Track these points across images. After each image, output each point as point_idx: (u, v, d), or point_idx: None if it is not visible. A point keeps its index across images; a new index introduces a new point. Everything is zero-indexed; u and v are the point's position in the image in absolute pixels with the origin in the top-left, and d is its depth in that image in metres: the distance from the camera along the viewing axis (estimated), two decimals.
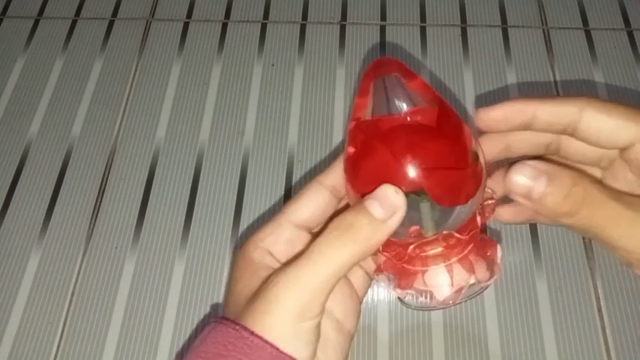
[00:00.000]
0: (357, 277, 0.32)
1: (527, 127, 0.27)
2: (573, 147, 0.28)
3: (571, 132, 0.26)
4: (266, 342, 0.23)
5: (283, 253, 0.28)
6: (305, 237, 0.29)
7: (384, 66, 0.27)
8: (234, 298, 0.26)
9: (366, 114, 0.27)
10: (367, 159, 0.25)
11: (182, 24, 0.74)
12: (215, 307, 0.56)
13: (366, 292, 0.33)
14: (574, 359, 0.53)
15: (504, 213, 0.31)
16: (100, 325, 0.56)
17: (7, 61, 0.73)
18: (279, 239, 0.28)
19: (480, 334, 0.54)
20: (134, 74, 0.71)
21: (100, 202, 0.62)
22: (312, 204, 0.29)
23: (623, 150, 0.26)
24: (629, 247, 0.22)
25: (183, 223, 0.61)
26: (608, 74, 0.68)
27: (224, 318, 0.26)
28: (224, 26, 0.74)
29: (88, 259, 0.59)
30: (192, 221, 0.61)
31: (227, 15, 0.75)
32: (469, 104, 0.67)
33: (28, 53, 0.73)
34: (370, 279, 0.33)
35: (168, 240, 0.60)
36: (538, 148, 0.29)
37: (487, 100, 0.67)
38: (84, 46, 0.73)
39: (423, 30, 0.73)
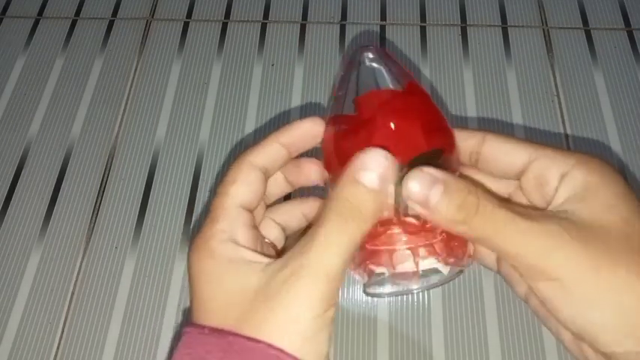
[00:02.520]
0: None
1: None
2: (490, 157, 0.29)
3: (475, 160, 0.28)
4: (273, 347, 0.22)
5: (247, 238, 0.26)
6: (252, 217, 0.28)
7: (364, 50, 0.28)
8: (217, 304, 0.24)
9: (348, 92, 0.27)
10: (353, 132, 0.25)
11: (182, 24, 0.74)
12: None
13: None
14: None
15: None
16: (100, 325, 0.56)
17: (7, 61, 0.73)
18: (237, 225, 0.26)
19: (479, 334, 0.54)
20: (134, 74, 0.71)
21: (100, 202, 0.62)
22: (251, 187, 0.28)
23: (520, 177, 0.27)
24: (523, 255, 0.22)
25: (183, 223, 0.61)
26: (608, 74, 0.68)
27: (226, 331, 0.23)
28: (224, 26, 0.74)
29: (88, 259, 0.59)
30: (193, 221, 0.61)
31: (227, 15, 0.75)
32: (469, 105, 0.67)
33: (28, 53, 0.73)
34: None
35: (168, 240, 0.60)
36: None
37: (487, 99, 0.67)
38: (84, 46, 0.73)
39: (423, 30, 0.73)
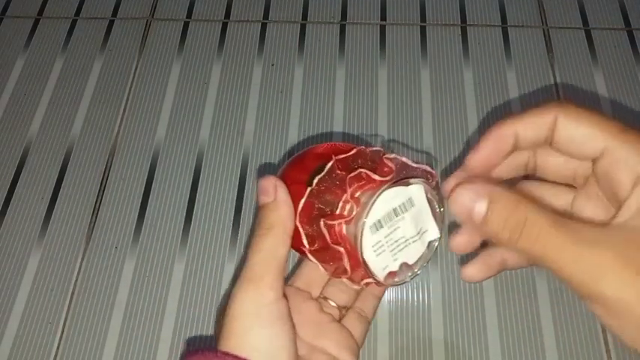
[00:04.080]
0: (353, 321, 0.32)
1: (513, 150, 0.26)
2: (549, 163, 0.27)
3: (550, 142, 0.25)
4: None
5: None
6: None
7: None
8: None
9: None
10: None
11: (182, 24, 0.74)
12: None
13: (362, 336, 0.33)
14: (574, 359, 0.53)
15: (456, 244, 0.29)
16: (100, 325, 0.56)
17: (7, 60, 0.73)
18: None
19: (480, 334, 0.54)
20: (134, 74, 0.71)
21: (100, 202, 0.62)
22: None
23: (594, 163, 0.24)
24: (572, 280, 0.21)
25: (183, 223, 0.61)
26: (608, 74, 0.68)
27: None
28: (224, 26, 0.74)
29: (88, 259, 0.59)
30: (192, 221, 0.61)
31: (227, 14, 0.75)
32: (469, 104, 0.67)
33: (28, 53, 0.73)
34: (367, 324, 0.33)
35: (168, 240, 0.60)
36: (518, 169, 0.28)
37: (487, 99, 0.67)
38: (84, 46, 0.73)
39: (423, 29, 0.73)
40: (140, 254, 0.59)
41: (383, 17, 0.74)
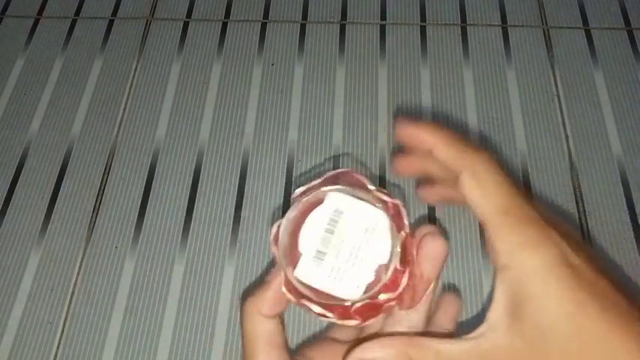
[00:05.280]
0: None
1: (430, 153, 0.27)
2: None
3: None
4: None
5: None
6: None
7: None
8: None
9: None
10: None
11: (182, 23, 0.74)
12: None
13: None
14: None
15: (424, 194, 0.30)
16: (100, 325, 0.56)
17: (7, 60, 0.73)
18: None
19: None
20: (134, 74, 0.71)
21: (100, 202, 0.62)
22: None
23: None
24: None
25: (183, 223, 0.61)
26: (608, 73, 0.68)
27: None
28: (224, 25, 0.74)
29: (88, 258, 0.59)
30: (192, 221, 0.61)
31: (227, 14, 0.75)
32: (469, 104, 0.67)
33: (28, 53, 0.73)
34: None
35: (168, 240, 0.60)
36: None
37: (487, 99, 0.67)
38: (84, 46, 0.73)
39: (423, 29, 0.73)
40: (140, 254, 0.59)
41: (383, 17, 0.74)
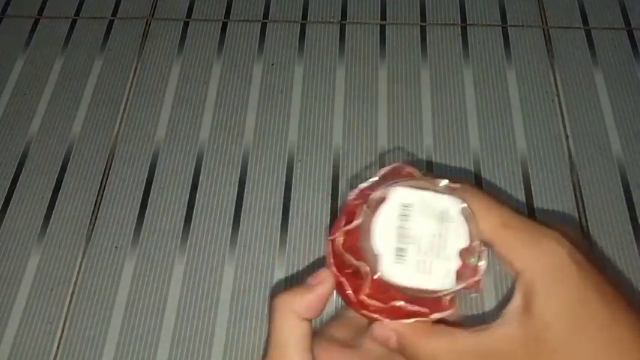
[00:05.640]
0: None
1: None
2: None
3: None
4: None
5: None
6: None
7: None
8: None
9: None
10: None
11: (182, 23, 0.74)
12: None
13: None
14: None
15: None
16: (100, 324, 0.56)
17: (7, 60, 0.73)
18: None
19: None
20: (134, 74, 0.71)
21: (100, 202, 0.62)
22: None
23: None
24: None
25: (183, 223, 0.61)
26: (608, 73, 0.68)
27: None
28: (224, 25, 0.74)
29: (88, 259, 0.59)
30: (192, 221, 0.61)
31: (227, 14, 0.75)
32: (469, 104, 0.67)
33: (28, 53, 0.73)
34: None
35: (168, 240, 0.60)
36: None
37: (487, 99, 0.67)
38: (84, 46, 0.73)
39: (423, 29, 0.73)
40: (140, 254, 0.59)
41: (383, 17, 0.74)
